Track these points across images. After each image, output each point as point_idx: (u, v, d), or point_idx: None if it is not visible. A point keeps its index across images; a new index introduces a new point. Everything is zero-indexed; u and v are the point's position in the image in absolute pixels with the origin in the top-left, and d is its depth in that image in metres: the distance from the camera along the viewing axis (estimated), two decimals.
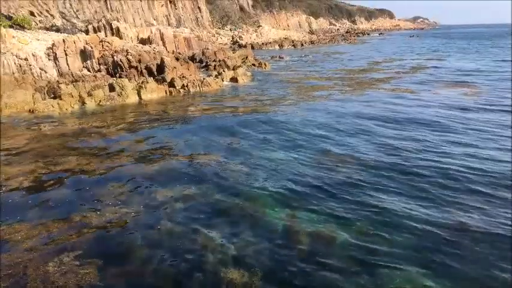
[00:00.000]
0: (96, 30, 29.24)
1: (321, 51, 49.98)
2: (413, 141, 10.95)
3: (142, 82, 19.29)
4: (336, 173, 8.87)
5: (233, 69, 25.88)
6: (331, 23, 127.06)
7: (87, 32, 29.46)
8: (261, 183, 8.40)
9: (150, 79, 20.12)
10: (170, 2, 50.73)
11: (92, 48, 21.92)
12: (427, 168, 9.06)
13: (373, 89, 19.98)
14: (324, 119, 13.77)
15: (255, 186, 8.27)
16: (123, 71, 21.51)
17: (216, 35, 56.77)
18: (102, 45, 22.89)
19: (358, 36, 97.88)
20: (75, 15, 33.73)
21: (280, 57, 40.12)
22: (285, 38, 67.31)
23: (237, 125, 13.10)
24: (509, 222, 6.77)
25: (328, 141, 11.21)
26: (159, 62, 22.36)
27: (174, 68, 22.30)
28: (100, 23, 30.65)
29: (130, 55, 22.50)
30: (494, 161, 9.42)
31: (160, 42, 28.85)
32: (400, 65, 31.03)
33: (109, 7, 38.04)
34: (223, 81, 22.75)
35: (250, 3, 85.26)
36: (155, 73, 21.84)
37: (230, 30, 66.25)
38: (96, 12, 35.98)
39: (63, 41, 21.26)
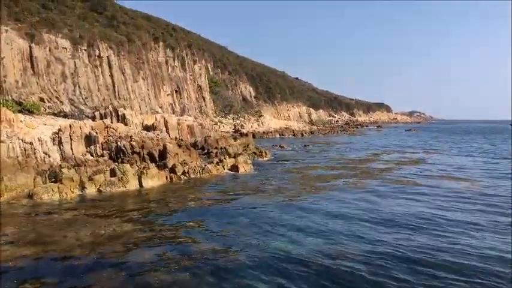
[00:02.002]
0: (102, 116, 30.32)
1: (321, 141, 51.21)
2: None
3: (144, 168, 19.49)
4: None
5: (234, 157, 26.30)
6: (330, 115, 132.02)
7: (93, 118, 30.53)
8: (253, 273, 8.10)
9: (152, 165, 20.36)
10: (176, 91, 53.36)
11: (97, 133, 22.54)
12: None
13: (377, 180, 20.12)
14: (327, 216, 13.61)
15: (248, 275, 7.96)
16: (125, 156, 21.87)
17: (218, 123, 58.65)
18: (107, 131, 23.56)
19: (357, 128, 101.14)
20: (83, 102, 35.23)
21: (280, 146, 40.98)
22: (286, 128, 69.49)
23: (235, 217, 12.94)
24: None
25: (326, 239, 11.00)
26: (161, 148, 22.83)
27: (176, 154, 22.72)
28: (107, 109, 31.90)
29: (134, 141, 23.06)
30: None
31: (164, 129, 29.75)
32: (399, 157, 31.59)
33: (117, 95, 39.87)
34: (224, 168, 22.99)
35: (253, 94, 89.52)
36: (157, 159, 22.19)
37: (232, 119, 68.62)
38: (104, 99, 37.64)
39: (70, 126, 21.94)
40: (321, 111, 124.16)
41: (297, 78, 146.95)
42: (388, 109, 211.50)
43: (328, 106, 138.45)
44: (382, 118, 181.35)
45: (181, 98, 54.84)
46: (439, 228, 11.42)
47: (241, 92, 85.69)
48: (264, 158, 29.95)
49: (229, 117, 68.83)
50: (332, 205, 14.35)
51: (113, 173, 17.97)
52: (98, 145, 22.13)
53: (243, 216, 12.75)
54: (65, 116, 31.32)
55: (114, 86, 39.72)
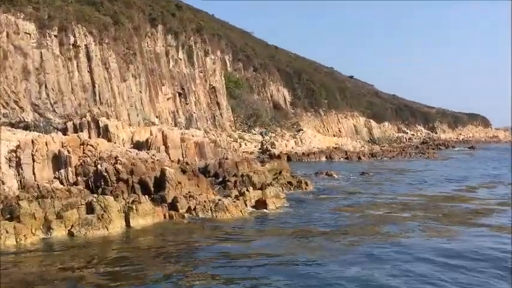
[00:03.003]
0: (77, 128, 31.03)
1: (387, 168, 50.63)
2: None
3: (133, 202, 19.71)
4: None
5: (261, 188, 26.31)
6: (400, 130, 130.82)
7: (65, 130, 31.23)
8: None
9: (145, 198, 20.54)
10: (179, 94, 54.05)
11: (69, 152, 23.00)
12: None
13: (470, 227, 19.66)
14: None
15: None
16: (108, 185, 22.20)
17: (239, 140, 58.90)
18: (84, 150, 24.04)
19: (439, 149, 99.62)
20: (51, 109, 36.09)
21: (328, 173, 40.76)
22: (335, 148, 69.19)
23: (259, 282, 12.76)
24: None
25: None
26: (158, 175, 23.08)
27: (179, 183, 22.91)
28: (84, 119, 32.60)
29: (120, 164, 23.42)
30: None
31: (163, 148, 30.10)
32: (503, 194, 30.81)
33: (97, 99, 40.65)
34: (246, 205, 22.99)
35: (288, 99, 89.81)
36: (152, 189, 22.42)
37: (260, 134, 68.75)
38: (80, 105, 38.47)
39: (32, 142, 22.47)
40: (386, 124, 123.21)
41: (351, 77, 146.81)
42: (485, 123, 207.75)
43: (397, 117, 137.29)
44: (476, 135, 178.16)
45: (187, 104, 55.53)
46: None
47: (271, 96, 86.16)
48: (305, 190, 29.81)
49: (254, 132, 69.07)
50: (397, 271, 13.75)
51: (90, 209, 18.22)
52: (70, 169, 22.53)
53: (269, 283, 12.48)
54: (26, 127, 32.11)
55: (94, 87, 40.54)
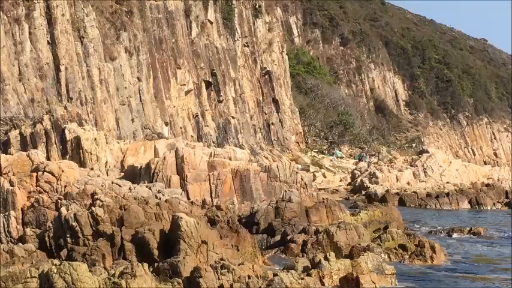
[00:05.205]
0: (27, 142, 31.55)
1: None
2: None
3: (123, 274, 19.85)
4: None
5: (350, 255, 26.28)
6: None
7: (6, 145, 31.81)
8: None
9: (143, 267, 20.69)
10: (208, 85, 54.21)
11: (12, 184, 23.40)
12: None
13: None
14: None
15: None
16: (78, 244, 22.44)
17: (313, 168, 58.82)
18: (38, 180, 24.40)
19: None
20: None
21: (473, 231, 40.32)
22: (487, 185, 68.17)
23: None
24: None
25: None
26: (166, 228, 23.29)
27: (203, 243, 23.05)
28: (38, 126, 33.09)
29: (101, 206, 23.70)
30: None
31: (176, 179, 30.38)
32: None
33: (63, 91, 41.16)
34: (323, 284, 22.94)
35: (402, 95, 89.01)
36: (155, 253, 22.60)
37: (359, 159, 68.31)
38: (32, 101, 39.12)
39: None
40: None
41: None
42: None
43: None
44: None
45: (220, 102, 55.78)
46: None
47: (372, 89, 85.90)
48: (429, 259, 29.49)
49: (340, 154, 68.92)
50: None
51: (46, 284, 18.44)
52: (13, 213, 22.90)
53: None
54: None
55: (57, 70, 41.20)
